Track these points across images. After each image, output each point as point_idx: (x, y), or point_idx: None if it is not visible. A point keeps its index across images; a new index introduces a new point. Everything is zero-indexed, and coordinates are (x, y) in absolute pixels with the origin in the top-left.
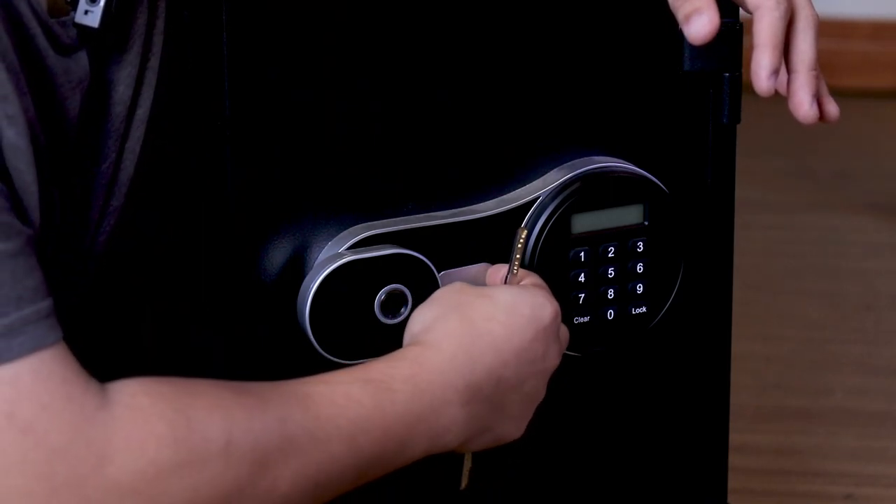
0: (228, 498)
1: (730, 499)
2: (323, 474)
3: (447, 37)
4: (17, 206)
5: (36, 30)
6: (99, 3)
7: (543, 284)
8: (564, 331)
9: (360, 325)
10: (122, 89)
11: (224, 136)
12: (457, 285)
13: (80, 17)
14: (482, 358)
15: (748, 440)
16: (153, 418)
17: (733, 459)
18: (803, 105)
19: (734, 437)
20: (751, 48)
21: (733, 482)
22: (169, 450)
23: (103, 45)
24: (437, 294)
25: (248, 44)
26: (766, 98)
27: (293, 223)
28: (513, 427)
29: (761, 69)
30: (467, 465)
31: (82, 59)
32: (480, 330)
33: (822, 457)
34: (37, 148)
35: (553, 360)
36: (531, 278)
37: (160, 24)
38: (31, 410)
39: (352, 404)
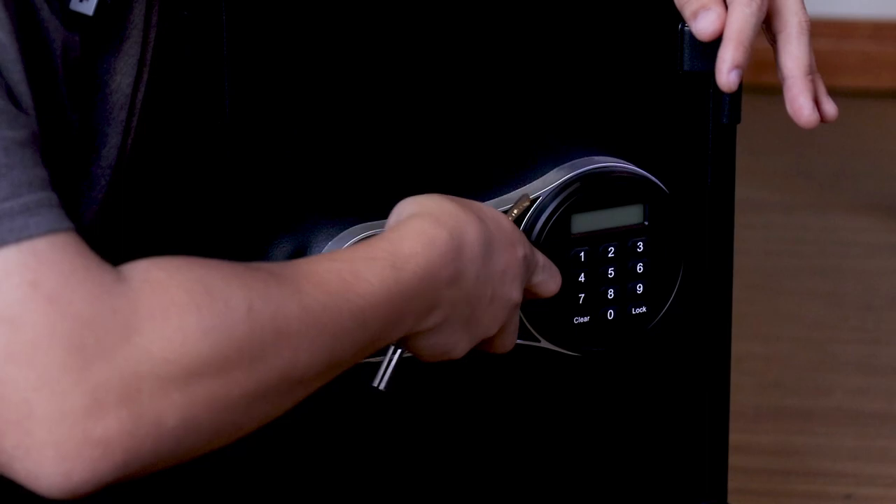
0: (254, 364)
1: (730, 499)
2: (337, 347)
3: (447, 37)
4: (16, 104)
5: None
6: None
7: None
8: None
9: None
10: (119, 78)
11: (224, 136)
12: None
13: (74, 4)
14: (472, 248)
15: (748, 440)
16: (172, 288)
17: (733, 459)
18: (803, 111)
19: (734, 437)
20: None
21: (733, 482)
22: (193, 316)
23: (98, 33)
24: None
25: (248, 44)
26: (765, 98)
27: (293, 223)
28: (465, 340)
29: (723, 63)
30: (391, 361)
31: (74, 40)
32: (473, 223)
33: (822, 457)
34: (25, 56)
35: (514, 292)
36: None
37: (156, 19)
38: (55, 279)
39: (360, 280)
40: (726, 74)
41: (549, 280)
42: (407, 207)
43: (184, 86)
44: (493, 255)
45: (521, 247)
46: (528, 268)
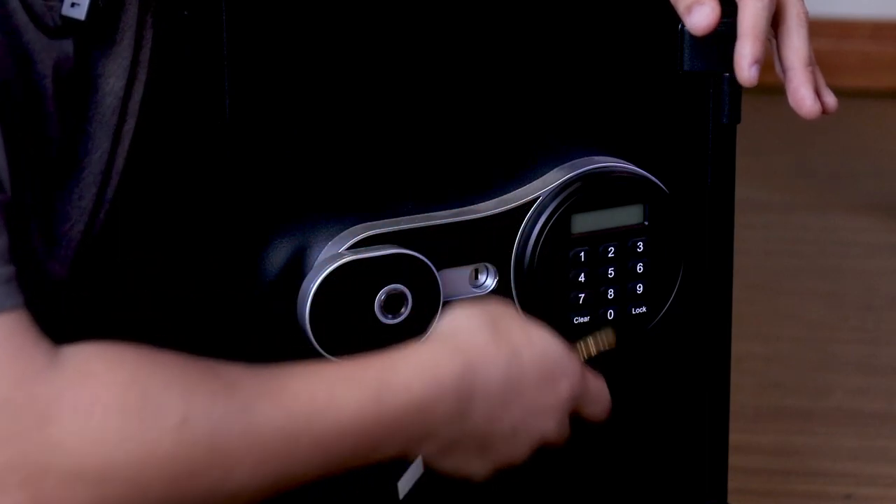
0: (177, 478)
1: (730, 499)
2: (285, 470)
3: (447, 37)
4: None
5: (15, 4)
6: None
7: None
8: (594, 394)
9: (361, 325)
10: (112, 81)
11: (224, 136)
12: (509, 304)
13: (66, 10)
14: (486, 386)
15: (748, 440)
16: (105, 385)
17: (733, 459)
18: (805, 101)
19: (734, 437)
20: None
21: (733, 482)
22: (116, 419)
23: (91, 36)
24: (485, 302)
25: (248, 44)
26: (765, 98)
27: (293, 223)
28: (480, 466)
29: (743, 59)
30: (417, 472)
31: (67, 45)
32: (500, 358)
33: (822, 457)
34: (6, 122)
35: (548, 427)
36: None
37: (151, 20)
38: None
39: (332, 407)
40: (747, 70)
41: (597, 410)
42: (445, 319)
43: (184, 86)
44: (521, 392)
45: (568, 381)
46: (574, 401)
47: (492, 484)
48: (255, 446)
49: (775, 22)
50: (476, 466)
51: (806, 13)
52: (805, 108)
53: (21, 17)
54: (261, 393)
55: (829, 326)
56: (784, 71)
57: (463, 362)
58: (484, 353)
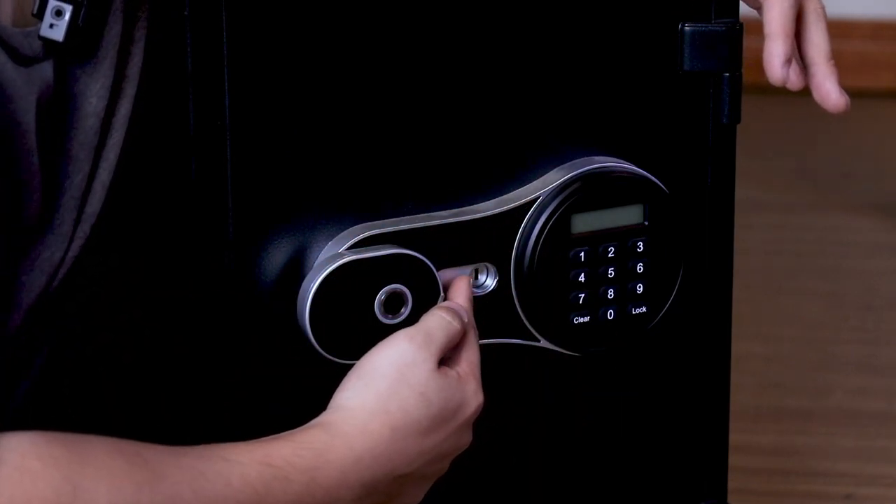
0: None
1: (730, 499)
2: None
3: (447, 37)
4: None
5: None
6: (64, 17)
7: (477, 370)
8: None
9: (360, 325)
10: (94, 101)
11: (224, 136)
12: (405, 363)
13: (44, 31)
14: (389, 462)
15: (748, 440)
16: (40, 483)
17: (733, 459)
18: (831, 95)
19: (734, 437)
20: (749, 48)
21: (733, 482)
22: None
23: (70, 56)
24: (383, 364)
25: (248, 44)
26: (765, 98)
27: (293, 223)
28: (408, 499)
29: (774, 58)
30: None
31: (45, 69)
32: (400, 432)
33: (822, 457)
34: None
35: (464, 444)
36: (472, 358)
37: (140, 34)
38: None
39: (246, 489)
40: (780, 70)
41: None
42: (347, 391)
43: (182, 87)
44: (428, 452)
45: (468, 412)
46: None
47: (491, 483)
48: None
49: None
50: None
51: (823, 8)
52: (832, 102)
53: (1, 59)
54: (182, 481)
55: (829, 326)
56: (806, 67)
57: (358, 450)
58: (377, 436)
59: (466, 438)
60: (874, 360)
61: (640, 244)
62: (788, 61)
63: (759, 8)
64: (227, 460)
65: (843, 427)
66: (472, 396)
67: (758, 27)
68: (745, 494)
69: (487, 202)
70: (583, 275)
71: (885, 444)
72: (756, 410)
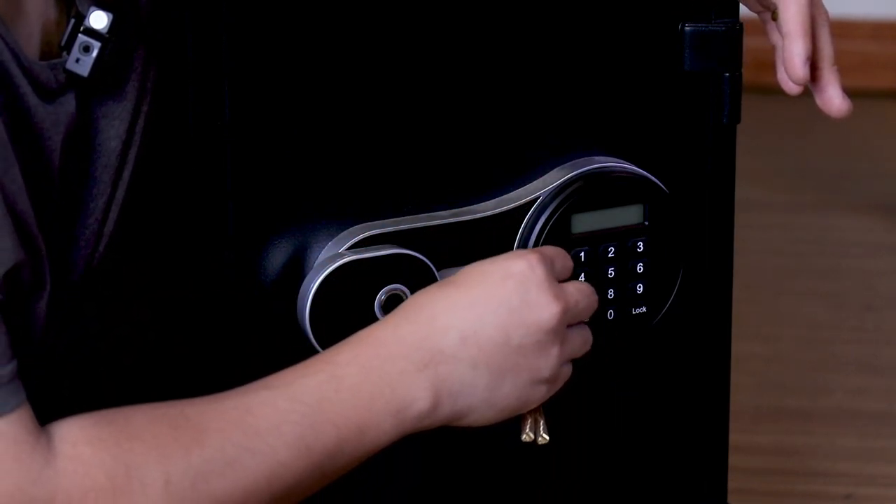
0: None
1: (730, 499)
2: (275, 482)
3: (447, 37)
4: None
5: (20, 79)
6: (91, 53)
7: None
8: (575, 293)
9: (361, 325)
10: (117, 124)
11: (224, 137)
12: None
13: (70, 65)
14: (435, 319)
15: (748, 440)
16: (93, 470)
17: (733, 459)
18: (834, 100)
19: (734, 437)
20: (749, 48)
21: (733, 482)
22: (109, 501)
23: (93, 88)
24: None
25: (248, 44)
26: (765, 98)
27: (293, 223)
28: (510, 387)
29: (795, 56)
30: (533, 421)
31: (69, 101)
32: (436, 294)
33: (822, 457)
34: (14, 216)
35: (546, 312)
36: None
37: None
38: None
39: (295, 406)
40: (801, 68)
41: (582, 341)
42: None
43: (184, 86)
44: (487, 304)
45: (517, 267)
46: (549, 285)
47: (492, 483)
48: (237, 474)
49: None
50: (506, 388)
51: (827, 14)
52: (834, 108)
53: (25, 90)
54: (227, 425)
55: (829, 326)
56: (810, 71)
57: (392, 319)
58: (410, 303)
59: (546, 297)
60: (874, 360)
61: (640, 244)
62: (808, 60)
63: (761, 11)
64: (271, 387)
65: (843, 427)
66: (520, 259)
67: (758, 27)
68: (745, 494)
69: (487, 202)
70: (583, 275)
71: (885, 444)
72: (756, 410)
